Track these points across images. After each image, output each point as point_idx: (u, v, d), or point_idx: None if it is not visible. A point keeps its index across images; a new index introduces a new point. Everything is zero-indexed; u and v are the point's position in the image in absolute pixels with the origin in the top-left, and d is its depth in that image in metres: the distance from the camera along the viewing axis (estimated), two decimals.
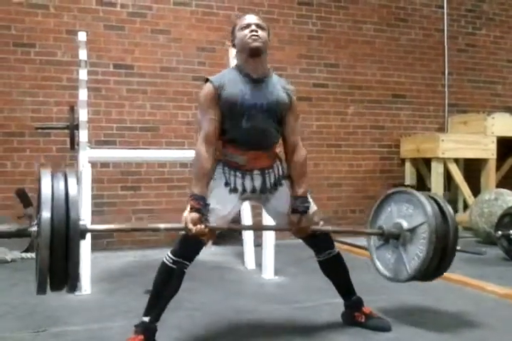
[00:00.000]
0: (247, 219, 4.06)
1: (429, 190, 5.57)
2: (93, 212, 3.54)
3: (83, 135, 3.55)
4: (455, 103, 6.35)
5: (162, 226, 2.32)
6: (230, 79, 2.40)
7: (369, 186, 5.97)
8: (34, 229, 1.97)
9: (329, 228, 2.62)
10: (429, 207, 2.51)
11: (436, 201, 2.59)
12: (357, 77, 5.98)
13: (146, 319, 2.30)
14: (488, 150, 5.64)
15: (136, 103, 5.11)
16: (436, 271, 2.58)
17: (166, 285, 2.31)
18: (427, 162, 5.79)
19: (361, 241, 5.00)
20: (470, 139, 5.63)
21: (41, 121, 4.66)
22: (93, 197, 3.57)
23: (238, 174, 2.42)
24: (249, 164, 2.43)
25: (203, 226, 2.24)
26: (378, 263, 2.75)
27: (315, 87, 5.78)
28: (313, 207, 2.53)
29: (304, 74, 5.74)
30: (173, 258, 2.31)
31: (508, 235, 4.26)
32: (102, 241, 4.85)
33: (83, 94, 3.58)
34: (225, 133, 2.39)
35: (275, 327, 2.68)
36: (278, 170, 2.52)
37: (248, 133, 2.37)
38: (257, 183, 2.46)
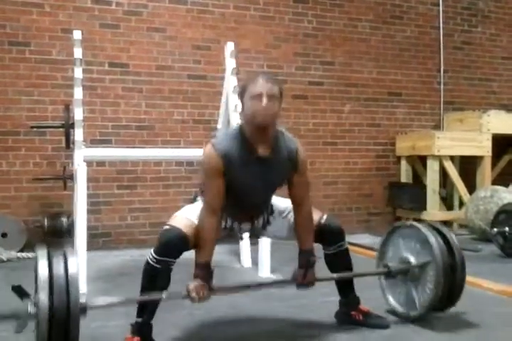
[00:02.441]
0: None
1: (424, 187, 5.58)
2: (89, 211, 3.54)
3: (78, 134, 3.54)
4: (451, 100, 6.36)
5: (164, 296, 2.26)
6: (235, 153, 2.28)
7: (365, 184, 5.98)
8: (33, 311, 1.94)
9: (334, 275, 2.61)
10: (436, 246, 2.54)
11: (441, 234, 2.62)
12: (353, 75, 5.98)
13: (140, 319, 2.29)
14: (484, 148, 5.65)
15: (131, 101, 5.09)
16: (447, 304, 2.62)
17: (153, 285, 2.28)
18: (423, 159, 5.79)
19: (356, 238, 5.01)
20: (465, 137, 5.63)
21: (36, 119, 4.65)
22: (89, 196, 3.56)
23: (228, 219, 2.47)
24: (240, 219, 2.50)
25: (205, 293, 2.25)
26: (391, 299, 2.80)
27: (311, 85, 5.77)
28: (316, 211, 2.55)
29: (300, 72, 5.73)
30: (157, 257, 2.25)
31: (504, 232, 4.28)
32: (98, 241, 4.84)
33: (78, 93, 3.58)
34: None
35: (272, 325, 2.69)
36: (268, 211, 2.55)
37: (245, 207, 2.43)
38: (246, 228, 2.53)
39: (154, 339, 2.31)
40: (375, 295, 2.83)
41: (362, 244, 4.75)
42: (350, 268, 2.65)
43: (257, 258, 3.90)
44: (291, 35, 5.73)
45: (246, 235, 2.63)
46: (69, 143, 3.92)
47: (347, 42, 5.97)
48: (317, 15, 5.84)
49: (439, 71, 6.24)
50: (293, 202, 2.47)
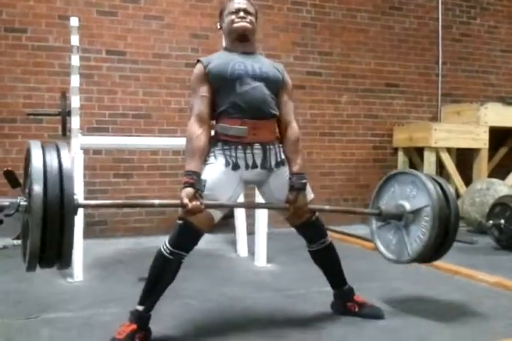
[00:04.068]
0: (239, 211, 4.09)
1: None
2: (85, 199, 3.53)
3: (75, 122, 3.52)
4: (448, 92, 6.35)
5: (157, 202, 2.26)
6: (218, 55, 2.45)
7: (361, 175, 5.98)
8: (23, 203, 1.86)
9: (326, 207, 2.61)
10: (434, 191, 2.49)
11: (439, 183, 2.58)
12: (351, 66, 5.96)
13: (141, 308, 2.28)
14: (481, 140, 5.65)
15: (128, 90, 5.07)
16: (437, 253, 2.58)
17: (162, 276, 2.28)
18: (420, 151, 5.80)
19: (354, 229, 5.04)
20: (463, 129, 5.63)
21: (33, 107, 4.62)
22: (85, 184, 3.55)
23: (239, 148, 2.36)
24: (250, 135, 2.36)
25: (198, 202, 2.19)
26: (380, 245, 2.75)
27: (309, 75, 5.75)
28: (310, 195, 2.51)
29: (298, 62, 5.71)
30: (171, 249, 2.27)
31: (499, 224, 4.30)
32: (95, 229, 4.84)
33: (75, 81, 3.55)
34: (220, 106, 2.37)
35: (268, 315, 2.69)
36: (279, 150, 2.47)
37: (243, 98, 2.34)
38: (258, 158, 2.39)
39: (150, 328, 2.31)
40: (368, 286, 2.85)
41: (358, 235, 4.77)
42: (338, 261, 2.64)
43: (253, 247, 3.91)
44: (289, 24, 5.70)
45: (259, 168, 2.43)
46: (65, 131, 3.89)
47: (345, 32, 5.94)
48: (316, 5, 5.81)
49: (437, 63, 6.23)
50: (280, 126, 2.50)
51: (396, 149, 6.09)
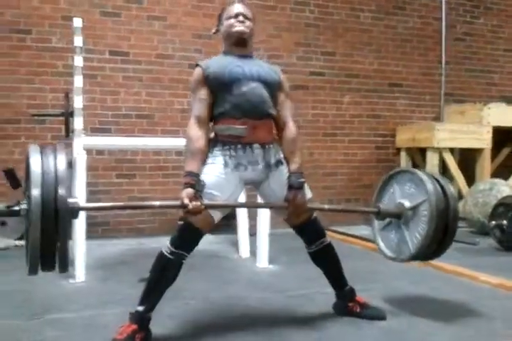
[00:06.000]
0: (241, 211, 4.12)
1: None
2: (88, 200, 3.54)
3: (78, 122, 3.53)
4: (451, 92, 6.33)
5: (157, 203, 2.33)
6: (217, 59, 2.50)
7: (364, 175, 5.98)
8: (24, 206, 1.95)
9: (325, 206, 2.63)
10: (431, 185, 2.51)
11: (437, 180, 2.58)
12: (354, 66, 5.95)
13: (141, 308, 2.29)
14: (484, 140, 5.64)
15: (131, 90, 5.08)
16: (437, 250, 2.58)
17: (162, 276, 2.30)
18: (423, 151, 5.79)
19: (356, 230, 5.04)
20: (465, 129, 5.62)
21: (36, 108, 4.64)
22: (88, 184, 3.55)
23: (239, 147, 2.38)
24: (249, 135, 2.38)
25: (198, 203, 2.22)
26: (382, 244, 2.75)
27: (311, 76, 5.75)
28: (308, 194, 2.52)
29: (301, 62, 5.71)
30: (172, 249, 2.29)
31: (502, 225, 4.29)
32: (97, 229, 4.85)
33: (78, 81, 3.56)
34: (219, 107, 2.40)
35: (268, 316, 2.70)
36: (278, 149, 2.50)
37: (242, 98, 2.38)
38: (259, 158, 2.41)
39: (150, 329, 2.32)
40: (369, 287, 2.85)
41: (359, 235, 4.76)
42: (338, 262, 2.64)
43: (254, 248, 3.91)
44: (292, 24, 5.70)
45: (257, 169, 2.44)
46: (68, 132, 3.91)
47: (349, 32, 5.94)
48: (319, 4, 5.80)
49: (441, 62, 6.20)
50: (278, 126, 2.52)
51: (399, 149, 6.08)
